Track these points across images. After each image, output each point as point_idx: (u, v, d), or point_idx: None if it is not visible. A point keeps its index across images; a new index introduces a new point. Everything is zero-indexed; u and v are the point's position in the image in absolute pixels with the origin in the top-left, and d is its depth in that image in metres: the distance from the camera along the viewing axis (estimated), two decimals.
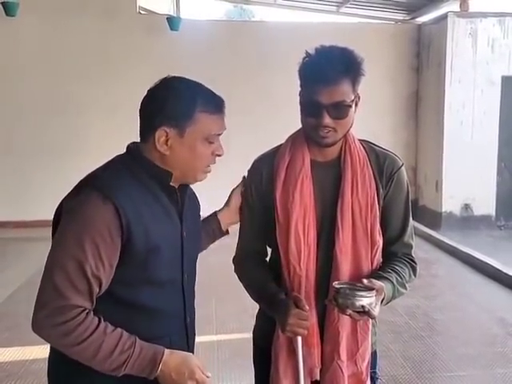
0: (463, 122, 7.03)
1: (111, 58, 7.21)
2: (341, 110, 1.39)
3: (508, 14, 7.00)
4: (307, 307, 1.37)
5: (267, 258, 1.63)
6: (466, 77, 6.97)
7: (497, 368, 3.30)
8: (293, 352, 1.45)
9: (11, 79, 7.10)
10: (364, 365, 1.48)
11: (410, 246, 1.56)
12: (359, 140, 1.54)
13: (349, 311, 1.30)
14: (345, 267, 1.45)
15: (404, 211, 1.53)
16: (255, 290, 1.55)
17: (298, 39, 6.20)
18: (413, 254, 1.56)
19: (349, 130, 1.46)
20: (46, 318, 1.23)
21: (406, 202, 1.54)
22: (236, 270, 1.62)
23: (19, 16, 6.60)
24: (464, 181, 7.06)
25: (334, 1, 7.74)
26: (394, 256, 1.53)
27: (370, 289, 1.32)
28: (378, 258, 1.49)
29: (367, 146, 1.54)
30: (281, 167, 1.50)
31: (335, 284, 1.35)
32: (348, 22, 7.91)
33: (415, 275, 1.54)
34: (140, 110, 1.40)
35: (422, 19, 7.74)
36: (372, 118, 7.76)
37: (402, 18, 7.97)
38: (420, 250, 6.10)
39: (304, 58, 1.43)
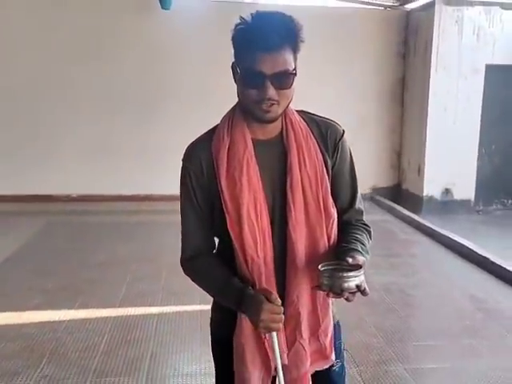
0: (447, 108, 7.20)
1: (102, 38, 7.23)
2: (285, 80, 1.28)
3: (494, 3, 7.13)
4: (279, 300, 1.30)
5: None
6: (450, 64, 7.12)
7: (464, 339, 3.51)
8: (259, 341, 1.40)
9: (2, 60, 7.12)
10: (327, 340, 1.46)
11: (362, 212, 1.54)
12: (297, 111, 1.46)
13: (346, 294, 1.26)
14: (300, 246, 1.39)
15: (351, 178, 1.50)
16: (217, 290, 1.44)
17: None
18: (364, 219, 1.54)
19: (290, 102, 1.36)
20: None
21: (352, 167, 1.50)
22: (187, 273, 1.49)
23: None
24: (445, 166, 7.26)
25: None
26: (349, 224, 1.50)
27: (357, 266, 1.28)
28: (335, 232, 1.44)
29: (307, 117, 1.47)
30: (221, 152, 1.37)
31: (320, 267, 1.30)
32: (338, 7, 7.96)
33: (371, 238, 1.52)
34: None
35: (411, 6, 7.84)
36: (359, 102, 7.91)
37: (391, 3, 8.05)
38: (401, 232, 6.32)
39: (238, 24, 1.29)
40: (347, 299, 1.29)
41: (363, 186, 7.86)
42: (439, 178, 7.32)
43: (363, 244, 1.43)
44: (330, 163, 1.44)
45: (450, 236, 5.66)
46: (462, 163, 7.29)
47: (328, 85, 7.61)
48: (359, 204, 1.53)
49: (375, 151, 8.04)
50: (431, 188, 7.37)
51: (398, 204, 7.56)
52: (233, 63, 1.35)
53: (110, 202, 7.32)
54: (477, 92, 7.21)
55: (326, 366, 1.50)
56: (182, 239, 1.48)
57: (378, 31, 7.88)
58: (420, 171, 7.46)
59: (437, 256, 5.46)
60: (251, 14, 1.28)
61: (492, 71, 7.17)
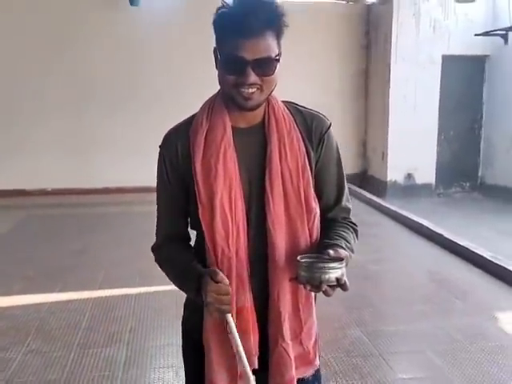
0: (406, 97, 7.59)
1: (73, 33, 7.41)
2: (267, 66, 1.24)
3: None
4: (227, 280, 1.23)
5: (191, 243, 1.47)
6: (409, 55, 7.51)
7: (416, 305, 3.86)
8: (226, 341, 1.31)
9: None
10: (311, 344, 1.39)
11: (349, 210, 1.46)
12: (283, 102, 1.41)
13: (324, 286, 1.19)
14: (280, 241, 1.32)
15: (338, 173, 1.42)
16: (178, 277, 1.38)
17: None
18: (352, 218, 1.46)
19: (273, 89, 1.32)
20: None
21: (339, 163, 1.43)
22: (156, 261, 1.44)
23: None
24: (407, 152, 7.65)
25: None
26: (335, 222, 1.43)
27: (338, 259, 1.22)
28: (317, 227, 1.37)
29: (292, 107, 1.41)
30: (199, 137, 1.32)
31: (299, 259, 1.23)
32: (301, 1, 8.28)
33: (357, 238, 1.45)
34: None
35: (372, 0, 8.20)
36: (324, 93, 8.23)
37: None
38: (364, 214, 6.68)
39: (219, 8, 1.25)
40: (326, 293, 1.21)
41: None
42: (401, 163, 7.72)
43: (347, 241, 1.37)
44: (313, 156, 1.37)
45: (409, 216, 6.04)
46: (422, 149, 7.69)
47: (293, 76, 7.87)
48: (346, 201, 1.45)
49: (342, 139, 8.07)
50: (394, 173, 7.77)
51: (365, 189, 7.94)
52: (214, 48, 1.30)
53: (85, 194, 7.52)
54: (434, 81, 7.62)
55: (310, 373, 1.42)
56: (156, 227, 1.45)
57: (342, 24, 8.23)
58: (383, 158, 7.84)
59: (397, 235, 5.84)
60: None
61: (448, 61, 7.59)
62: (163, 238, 1.43)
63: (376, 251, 5.20)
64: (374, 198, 7.30)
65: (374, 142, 8.29)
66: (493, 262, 4.45)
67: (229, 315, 1.25)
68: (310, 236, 1.35)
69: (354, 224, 1.46)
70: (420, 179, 7.83)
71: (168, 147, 1.36)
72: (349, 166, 8.46)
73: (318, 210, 1.36)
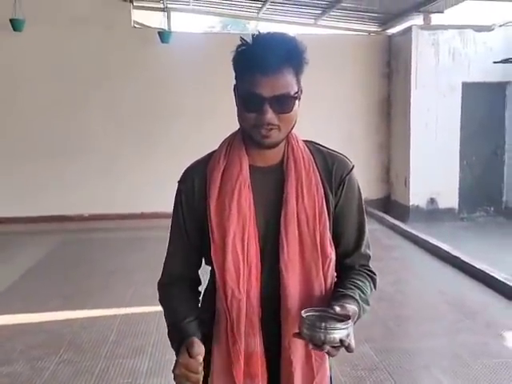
0: (428, 124, 7.77)
1: (108, 68, 7.97)
2: (285, 104, 1.21)
3: (467, 26, 7.76)
4: (201, 357, 1.18)
5: (200, 288, 1.43)
6: (429, 83, 7.72)
7: (425, 324, 4.02)
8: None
9: (17, 89, 7.85)
10: None
11: (368, 257, 1.40)
12: (303, 141, 1.37)
13: (327, 347, 1.12)
14: (293, 286, 1.27)
15: (358, 218, 1.37)
16: (169, 325, 1.35)
17: None
18: (371, 265, 1.41)
19: (292, 128, 1.28)
20: None
21: (360, 208, 1.38)
22: (159, 298, 1.42)
23: (25, 31, 7.34)
24: (429, 177, 7.79)
25: (311, 14, 8.47)
26: (352, 269, 1.37)
27: (344, 317, 1.15)
28: (332, 273, 1.32)
29: (313, 147, 1.37)
30: (215, 175, 1.30)
31: (303, 313, 1.16)
32: (325, 34, 8.65)
33: (375, 288, 1.39)
34: None
35: (392, 31, 8.49)
36: (348, 121, 8.52)
37: (374, 29, 8.71)
38: (386, 238, 6.85)
39: (239, 46, 1.24)
40: (328, 353, 1.16)
41: None
42: (424, 188, 7.85)
43: (363, 292, 1.31)
44: (332, 199, 1.33)
45: (428, 239, 6.18)
46: (445, 175, 7.82)
47: (319, 106, 8.22)
48: (366, 248, 1.40)
49: (365, 166, 8.59)
50: (417, 198, 7.90)
51: (388, 214, 8.09)
52: (234, 86, 1.28)
53: (121, 219, 7.94)
54: (455, 108, 7.78)
55: None
56: (164, 262, 1.42)
57: (364, 55, 8.53)
58: (406, 183, 8.00)
59: (415, 258, 5.98)
60: (252, 36, 1.23)
61: (468, 88, 7.75)
62: (169, 277, 1.40)
63: (392, 273, 5.35)
64: (396, 222, 7.44)
65: (396, 167, 8.46)
66: (505, 283, 4.56)
67: None
68: (325, 282, 1.31)
69: (373, 273, 1.40)
70: (443, 204, 7.94)
71: (186, 183, 1.35)
72: (372, 192, 8.67)
73: (333, 256, 1.32)
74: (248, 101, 1.22)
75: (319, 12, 8.26)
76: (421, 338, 3.80)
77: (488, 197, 8.12)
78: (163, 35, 7.62)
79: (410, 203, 7.91)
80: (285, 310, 1.28)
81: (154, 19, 9.02)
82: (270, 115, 1.20)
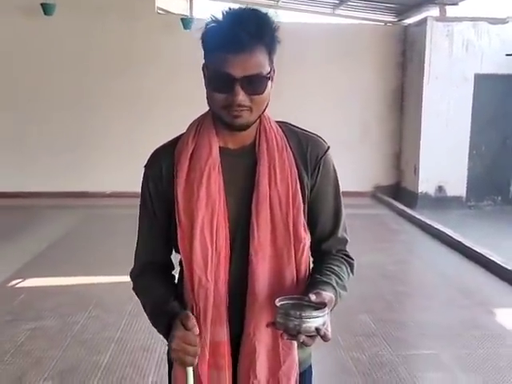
0: (439, 114, 7.99)
1: (132, 54, 8.30)
2: (257, 84, 1.15)
3: (481, 18, 7.93)
4: (197, 329, 1.14)
5: (174, 272, 1.38)
6: (442, 73, 7.93)
7: (422, 300, 4.34)
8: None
9: (45, 74, 8.23)
10: None
11: (345, 241, 1.35)
12: (277, 122, 1.31)
13: (302, 337, 1.08)
14: (261, 271, 1.22)
15: (335, 201, 1.32)
16: (151, 311, 1.28)
17: (297, 39, 7.24)
18: (348, 250, 1.35)
19: (265, 109, 1.23)
20: None
21: (336, 189, 1.32)
22: (134, 288, 1.37)
23: (55, 15, 7.70)
24: (438, 166, 8.03)
25: (329, 3, 8.70)
26: (329, 254, 1.32)
27: (320, 304, 1.11)
28: (306, 259, 1.27)
29: (286, 128, 1.31)
30: (183, 158, 1.24)
31: (277, 302, 1.12)
32: (342, 23, 8.87)
33: (353, 273, 1.33)
34: None
35: (408, 21, 8.68)
36: (363, 108, 8.77)
37: (390, 19, 8.91)
38: (394, 223, 7.14)
39: (209, 23, 1.17)
40: (304, 343, 1.10)
41: (368, 185, 8.82)
42: (433, 176, 8.10)
43: (339, 277, 1.26)
44: (307, 182, 1.27)
45: (433, 224, 6.46)
46: (454, 163, 8.05)
47: (335, 93, 8.50)
48: (343, 232, 1.35)
49: (378, 153, 8.88)
50: (425, 185, 8.16)
51: (397, 200, 8.37)
52: (203, 65, 1.21)
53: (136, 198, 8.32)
54: (467, 99, 7.98)
55: None
56: (135, 251, 1.38)
57: (380, 44, 8.74)
58: (415, 170, 8.26)
59: (420, 241, 6.28)
60: (222, 12, 1.16)
61: (480, 80, 7.94)
62: (142, 265, 1.36)
63: (396, 254, 5.67)
64: (404, 207, 7.72)
65: (407, 155, 8.71)
66: (502, 266, 4.84)
67: (190, 369, 1.16)
68: (298, 269, 1.25)
69: (350, 257, 1.35)
70: (451, 192, 8.19)
71: (152, 168, 1.29)
72: (383, 178, 8.95)
73: (307, 241, 1.27)
74: (218, 81, 1.16)
75: (337, 1, 8.49)
76: (417, 312, 4.12)
77: (496, 186, 8.34)
78: (185, 21, 7.91)
79: (419, 190, 8.17)
80: (251, 295, 1.23)
81: (176, 5, 9.29)
82: (242, 96, 1.14)
